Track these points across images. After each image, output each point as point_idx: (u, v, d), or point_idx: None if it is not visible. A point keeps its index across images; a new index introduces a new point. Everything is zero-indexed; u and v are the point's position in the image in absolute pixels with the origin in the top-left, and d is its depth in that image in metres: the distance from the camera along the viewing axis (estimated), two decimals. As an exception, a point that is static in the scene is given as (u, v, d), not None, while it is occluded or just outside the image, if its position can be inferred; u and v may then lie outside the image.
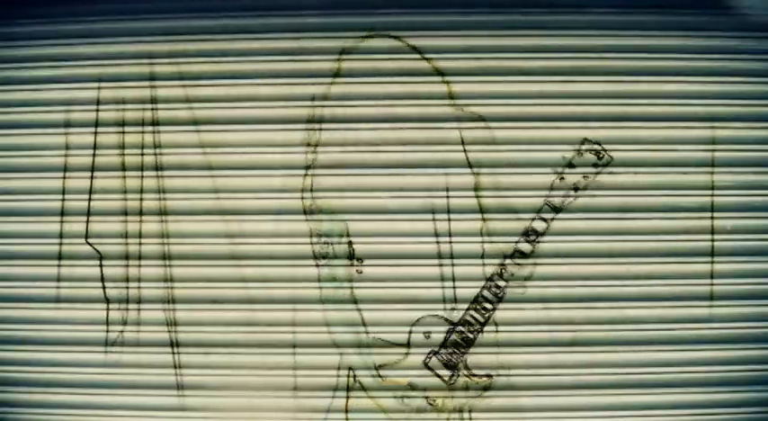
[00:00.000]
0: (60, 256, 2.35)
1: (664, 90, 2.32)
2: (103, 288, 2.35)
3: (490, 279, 2.31)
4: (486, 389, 2.33)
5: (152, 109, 2.34)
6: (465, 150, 2.30)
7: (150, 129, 2.34)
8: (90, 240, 2.35)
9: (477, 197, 2.31)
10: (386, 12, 2.32)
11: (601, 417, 2.33)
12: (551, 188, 2.30)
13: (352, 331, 2.33)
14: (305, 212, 2.32)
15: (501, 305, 2.31)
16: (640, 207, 2.31)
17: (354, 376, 2.34)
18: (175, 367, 2.36)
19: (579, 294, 2.32)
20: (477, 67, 2.32)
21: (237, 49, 2.34)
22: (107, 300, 2.35)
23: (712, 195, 2.31)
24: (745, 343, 2.32)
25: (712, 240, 2.31)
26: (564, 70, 2.31)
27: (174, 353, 2.36)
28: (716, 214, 2.31)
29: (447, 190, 2.31)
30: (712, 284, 2.30)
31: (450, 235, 2.31)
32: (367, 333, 2.32)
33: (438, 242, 2.31)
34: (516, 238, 2.30)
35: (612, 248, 2.31)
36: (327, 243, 2.31)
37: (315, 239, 2.32)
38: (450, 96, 2.31)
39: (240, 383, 2.36)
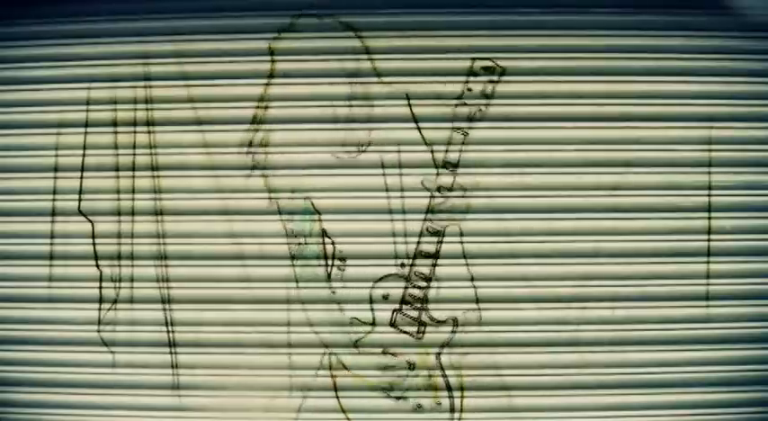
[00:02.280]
0: (55, 257, 2.37)
1: (663, 90, 2.31)
2: (99, 274, 2.36)
3: (421, 233, 2.29)
4: (455, 324, 2.32)
5: (152, 109, 2.35)
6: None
7: (148, 129, 2.35)
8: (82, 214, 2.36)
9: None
10: (386, 11, 2.31)
11: (599, 417, 2.33)
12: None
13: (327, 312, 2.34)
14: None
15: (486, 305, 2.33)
16: (639, 207, 2.31)
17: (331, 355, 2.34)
18: (173, 367, 2.38)
19: (578, 294, 2.32)
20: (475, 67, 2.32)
21: (237, 49, 2.34)
22: (101, 299, 2.37)
23: (709, 195, 2.31)
24: (742, 343, 2.32)
25: (708, 240, 2.31)
26: (563, 70, 2.31)
27: (171, 353, 2.37)
28: (713, 214, 2.31)
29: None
30: (708, 284, 2.31)
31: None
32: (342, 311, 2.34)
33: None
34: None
35: (610, 248, 2.31)
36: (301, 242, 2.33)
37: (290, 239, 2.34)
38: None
39: (238, 383, 2.37)
